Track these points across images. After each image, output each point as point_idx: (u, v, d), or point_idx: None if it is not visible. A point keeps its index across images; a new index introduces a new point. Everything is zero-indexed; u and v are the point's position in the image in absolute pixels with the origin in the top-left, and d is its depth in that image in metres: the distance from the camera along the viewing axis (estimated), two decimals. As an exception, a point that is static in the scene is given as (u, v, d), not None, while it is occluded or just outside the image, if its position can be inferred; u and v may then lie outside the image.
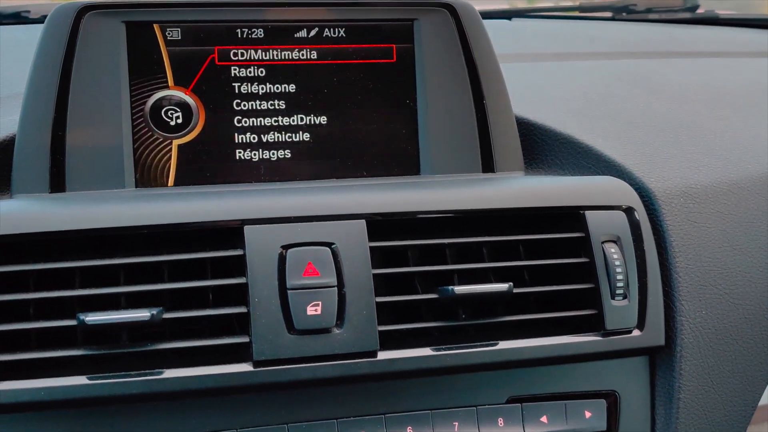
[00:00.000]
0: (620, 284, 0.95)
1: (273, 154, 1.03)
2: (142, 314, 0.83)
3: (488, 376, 0.95)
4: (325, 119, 1.05)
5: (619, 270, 0.96)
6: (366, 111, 1.06)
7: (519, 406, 0.95)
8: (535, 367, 0.96)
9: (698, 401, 1.00)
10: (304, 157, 1.04)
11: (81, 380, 0.83)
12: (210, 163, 1.02)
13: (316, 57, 1.05)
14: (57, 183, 0.97)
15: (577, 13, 1.92)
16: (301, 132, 1.04)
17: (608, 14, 1.87)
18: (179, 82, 1.01)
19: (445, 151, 1.07)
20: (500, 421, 0.94)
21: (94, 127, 0.99)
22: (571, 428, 0.96)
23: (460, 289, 0.91)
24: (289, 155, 1.04)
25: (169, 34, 1.01)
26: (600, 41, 1.64)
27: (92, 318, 0.82)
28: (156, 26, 1.00)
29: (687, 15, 1.88)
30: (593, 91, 1.28)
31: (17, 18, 1.52)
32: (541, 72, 1.39)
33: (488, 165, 1.08)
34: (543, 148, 1.13)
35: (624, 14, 1.85)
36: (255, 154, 1.03)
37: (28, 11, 1.51)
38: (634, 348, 0.97)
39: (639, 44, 1.64)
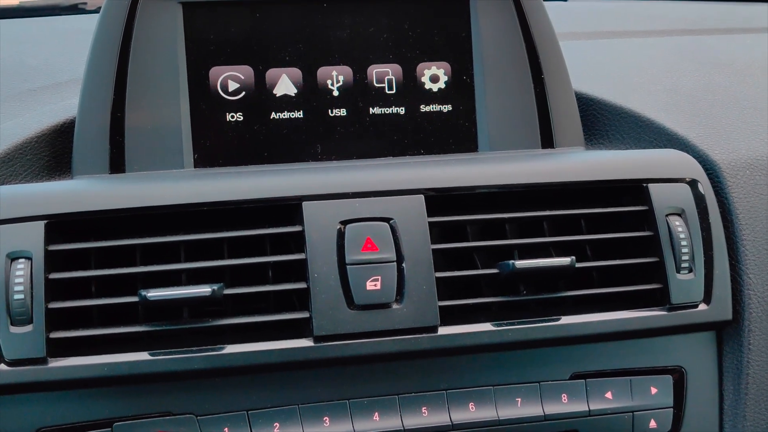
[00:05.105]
0: (686, 257, 0.93)
1: (331, 132, 1.03)
2: (204, 290, 0.83)
3: (551, 353, 0.93)
4: (382, 98, 1.04)
5: (684, 243, 0.94)
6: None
7: (583, 383, 0.94)
8: (599, 343, 0.94)
9: (768, 376, 0.98)
10: (361, 136, 1.03)
11: (143, 356, 0.84)
12: (267, 142, 1.02)
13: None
14: (116, 164, 0.98)
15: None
16: (358, 111, 1.03)
17: (665, -7, 1.84)
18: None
19: (503, 127, 1.06)
20: (564, 397, 0.93)
21: (153, 109, 0.99)
22: (636, 404, 0.94)
23: (521, 263, 0.89)
24: (347, 134, 1.03)
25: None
26: (658, 19, 1.61)
27: (154, 294, 0.83)
28: (212, 7, 1.00)
29: (746, -8, 1.84)
30: (653, 67, 1.25)
31: (74, 10, 1.55)
32: (600, 49, 1.36)
33: (548, 140, 1.06)
34: (603, 122, 1.11)
35: (682, -7, 1.82)
36: (312, 133, 1.03)
37: (85, 2, 1.55)
38: (701, 323, 0.95)
39: (698, 21, 1.61)
